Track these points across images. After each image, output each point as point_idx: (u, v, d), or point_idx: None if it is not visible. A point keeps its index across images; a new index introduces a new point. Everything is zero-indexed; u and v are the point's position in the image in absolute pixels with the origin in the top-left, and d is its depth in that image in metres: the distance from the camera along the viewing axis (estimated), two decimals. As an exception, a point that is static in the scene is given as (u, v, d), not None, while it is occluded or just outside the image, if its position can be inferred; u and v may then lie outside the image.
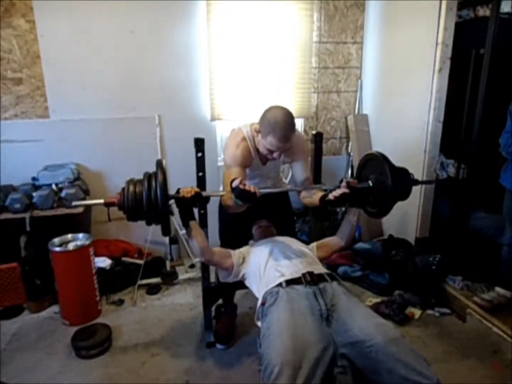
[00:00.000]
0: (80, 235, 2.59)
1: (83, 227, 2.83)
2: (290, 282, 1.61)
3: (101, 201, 1.62)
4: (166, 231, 1.70)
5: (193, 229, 1.75)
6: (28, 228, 2.59)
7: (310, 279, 1.61)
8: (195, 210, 2.05)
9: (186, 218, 1.72)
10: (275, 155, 1.83)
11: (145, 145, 3.14)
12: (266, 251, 1.83)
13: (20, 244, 2.70)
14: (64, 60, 2.87)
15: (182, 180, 3.12)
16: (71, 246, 2.48)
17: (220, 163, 3.23)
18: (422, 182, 2.25)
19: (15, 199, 2.55)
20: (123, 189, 1.59)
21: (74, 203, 1.63)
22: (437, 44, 2.61)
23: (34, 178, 2.82)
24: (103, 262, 2.84)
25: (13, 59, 2.79)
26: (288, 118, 1.76)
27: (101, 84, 2.98)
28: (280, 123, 1.73)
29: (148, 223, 1.67)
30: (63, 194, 2.65)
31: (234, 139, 1.93)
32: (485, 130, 2.42)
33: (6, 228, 2.65)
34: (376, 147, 3.48)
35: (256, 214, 2.11)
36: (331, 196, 1.76)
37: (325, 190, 1.90)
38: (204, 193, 1.74)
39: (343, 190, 1.72)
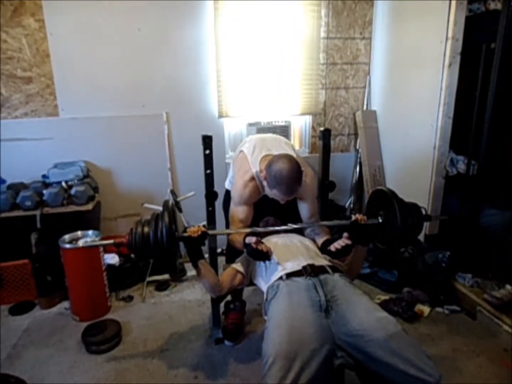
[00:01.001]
0: (90, 232, 2.62)
1: (93, 224, 2.87)
2: (290, 275, 1.61)
3: (111, 241, 1.66)
4: (172, 270, 1.70)
5: (203, 268, 1.73)
6: (38, 225, 2.62)
7: (311, 271, 1.61)
8: (202, 206, 2.09)
9: (195, 258, 1.71)
10: (281, 202, 1.86)
11: (153, 142, 3.16)
12: (270, 247, 1.84)
13: (31, 241, 2.73)
14: (73, 58, 2.89)
15: (190, 177, 3.18)
16: (81, 243, 2.50)
17: (228, 160, 3.24)
18: (435, 218, 2.21)
19: (26, 196, 2.59)
20: (131, 229, 1.61)
21: (88, 244, 1.70)
22: (447, 38, 2.57)
23: (44, 176, 2.86)
24: (112, 258, 2.87)
25: (23, 58, 2.82)
26: (294, 173, 1.75)
27: (110, 82, 3.00)
28: (285, 179, 1.73)
29: (156, 262, 1.69)
30: (72, 191, 2.67)
31: (243, 178, 1.93)
32: (496, 126, 2.39)
33: (17, 225, 2.70)
34: (385, 144, 3.46)
35: (263, 212, 2.11)
36: (332, 248, 1.76)
37: (330, 227, 1.93)
38: (210, 232, 1.75)
39: (345, 242, 1.72)
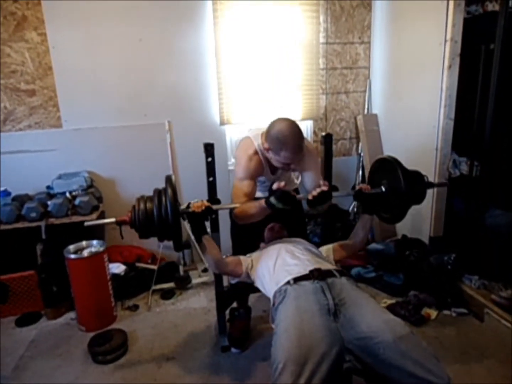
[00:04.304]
0: (94, 241, 2.63)
1: (97, 234, 2.87)
2: (297, 279, 1.61)
3: (113, 220, 1.62)
4: (178, 247, 1.68)
5: (207, 244, 1.74)
6: (44, 236, 2.64)
7: (318, 275, 1.60)
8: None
9: (199, 233, 1.70)
10: (292, 166, 1.84)
11: (156, 151, 3.18)
12: (274, 252, 1.84)
13: (37, 252, 2.74)
14: (75, 70, 2.93)
15: (193, 185, 3.19)
16: (86, 253, 2.51)
17: (231, 167, 3.25)
18: (437, 185, 2.27)
19: (31, 208, 2.60)
20: (133, 206, 1.58)
21: (86, 224, 1.66)
22: (445, 40, 2.58)
23: (48, 187, 2.87)
24: (117, 268, 2.87)
25: (26, 71, 2.86)
26: (295, 129, 1.75)
27: (112, 92, 3.03)
28: (289, 136, 1.72)
29: (160, 239, 1.67)
30: (77, 202, 2.68)
31: (246, 152, 1.93)
32: (497, 126, 2.39)
33: (22, 236, 2.71)
34: (387, 147, 3.45)
35: (268, 218, 2.11)
36: (309, 196, 1.73)
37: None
38: (215, 207, 1.72)
39: (322, 188, 1.69)
